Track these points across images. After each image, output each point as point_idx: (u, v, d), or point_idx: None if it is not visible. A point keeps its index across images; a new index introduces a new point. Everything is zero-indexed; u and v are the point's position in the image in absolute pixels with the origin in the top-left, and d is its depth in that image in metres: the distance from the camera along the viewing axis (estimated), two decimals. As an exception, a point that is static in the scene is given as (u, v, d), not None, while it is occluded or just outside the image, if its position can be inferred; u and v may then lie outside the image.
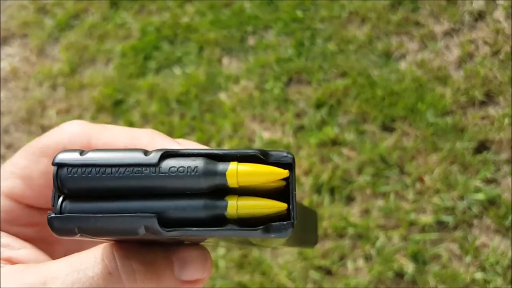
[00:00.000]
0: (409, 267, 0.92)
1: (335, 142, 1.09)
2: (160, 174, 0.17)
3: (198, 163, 0.17)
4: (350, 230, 0.97)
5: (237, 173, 0.17)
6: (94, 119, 1.24)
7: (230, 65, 1.30)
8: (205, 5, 1.42)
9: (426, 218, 0.96)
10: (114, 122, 1.23)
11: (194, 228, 0.17)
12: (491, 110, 1.09)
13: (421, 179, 1.01)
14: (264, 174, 0.17)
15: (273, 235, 0.17)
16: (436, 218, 0.96)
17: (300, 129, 1.13)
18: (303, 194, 1.03)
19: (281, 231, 0.17)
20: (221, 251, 0.98)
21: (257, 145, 1.11)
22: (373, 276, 0.92)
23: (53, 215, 0.17)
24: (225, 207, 0.17)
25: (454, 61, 1.18)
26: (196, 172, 0.17)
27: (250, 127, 1.16)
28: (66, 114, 1.28)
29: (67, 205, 0.18)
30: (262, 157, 0.18)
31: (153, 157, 0.18)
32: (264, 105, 1.19)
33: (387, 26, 1.26)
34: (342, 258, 0.95)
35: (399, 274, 0.92)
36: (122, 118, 1.24)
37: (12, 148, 1.25)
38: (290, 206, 0.18)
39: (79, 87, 1.32)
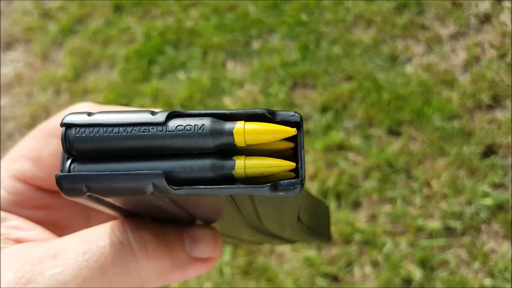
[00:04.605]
0: (417, 274, 0.91)
1: (341, 147, 1.08)
2: (167, 133, 0.17)
3: (205, 121, 0.17)
4: (357, 236, 0.96)
5: (244, 131, 0.17)
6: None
7: (235, 69, 1.29)
8: (209, 9, 1.41)
9: (434, 224, 0.95)
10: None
11: (202, 186, 0.17)
12: (498, 114, 1.08)
13: (428, 184, 1.00)
14: (271, 132, 0.17)
15: (281, 193, 0.17)
16: (444, 223, 0.95)
17: (305, 133, 1.12)
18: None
19: (289, 188, 0.17)
20: (226, 257, 0.97)
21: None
22: (380, 283, 0.91)
23: (61, 174, 0.17)
24: (233, 167, 0.17)
25: (460, 64, 1.17)
26: (203, 130, 0.17)
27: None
28: (70, 119, 1.27)
29: (76, 166, 0.18)
30: (269, 116, 0.18)
31: (160, 116, 0.17)
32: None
33: (392, 30, 1.25)
34: (349, 264, 0.94)
35: (407, 281, 0.91)
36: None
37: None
38: (299, 165, 0.17)
39: (83, 92, 1.32)
